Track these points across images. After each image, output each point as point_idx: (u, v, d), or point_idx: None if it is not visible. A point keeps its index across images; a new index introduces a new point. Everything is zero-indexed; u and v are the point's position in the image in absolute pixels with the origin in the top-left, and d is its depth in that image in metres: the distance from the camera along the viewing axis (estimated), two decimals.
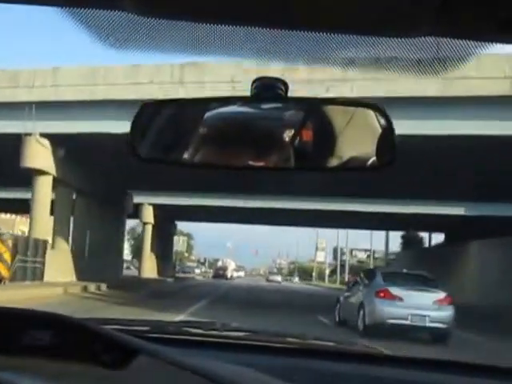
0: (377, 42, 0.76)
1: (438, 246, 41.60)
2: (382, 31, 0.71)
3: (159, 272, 43.37)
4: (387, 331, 11.57)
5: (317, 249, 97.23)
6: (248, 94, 1.12)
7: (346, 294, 14.71)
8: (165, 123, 1.22)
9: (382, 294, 12.24)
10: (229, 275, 68.37)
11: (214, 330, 1.73)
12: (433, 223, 37.31)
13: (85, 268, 23.69)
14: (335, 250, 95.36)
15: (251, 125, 1.19)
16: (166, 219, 45.17)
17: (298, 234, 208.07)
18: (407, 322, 11.85)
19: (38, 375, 1.01)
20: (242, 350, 1.46)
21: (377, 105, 1.16)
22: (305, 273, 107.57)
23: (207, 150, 1.19)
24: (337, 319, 14.46)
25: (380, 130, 1.16)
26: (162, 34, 0.76)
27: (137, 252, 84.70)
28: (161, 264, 44.61)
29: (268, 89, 1.11)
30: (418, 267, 21.94)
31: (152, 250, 42.27)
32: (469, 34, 0.70)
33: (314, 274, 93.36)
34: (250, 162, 1.19)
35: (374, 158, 1.17)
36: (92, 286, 21.07)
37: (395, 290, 12.19)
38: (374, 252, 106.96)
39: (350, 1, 0.65)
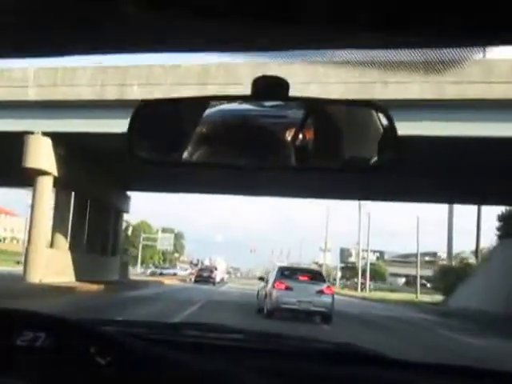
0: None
1: None
2: (381, 35, 0.69)
3: (78, 272, 22.26)
4: (281, 314, 14.05)
5: (325, 249, 78.17)
6: (249, 92, 1.05)
7: (261, 287, 16.50)
8: (163, 122, 1.17)
9: (277, 285, 14.32)
10: (217, 279, 47.92)
11: (212, 331, 1.63)
12: None
13: None
14: (342, 251, 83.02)
15: (251, 124, 1.13)
16: (103, 179, 24.32)
17: (300, 234, 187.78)
18: (296, 307, 14.07)
19: (32, 377, 0.97)
20: (240, 353, 1.38)
21: (378, 104, 1.10)
22: None
23: (207, 149, 1.14)
24: (257, 308, 15.83)
25: (382, 130, 1.10)
26: (163, 31, 0.76)
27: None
28: (86, 259, 23.60)
29: (269, 88, 1.06)
30: None
31: (59, 230, 21.56)
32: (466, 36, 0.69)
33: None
34: (251, 162, 1.15)
35: (376, 158, 1.11)
36: None
37: (288, 282, 14.42)
38: (383, 253, 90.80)
39: (350, 6, 0.63)
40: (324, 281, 15.33)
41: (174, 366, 0.99)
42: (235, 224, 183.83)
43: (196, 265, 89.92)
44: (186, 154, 1.12)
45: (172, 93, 16.57)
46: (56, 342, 1.05)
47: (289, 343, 1.58)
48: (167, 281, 39.05)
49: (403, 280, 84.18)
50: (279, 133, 1.11)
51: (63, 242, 21.96)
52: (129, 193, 32.00)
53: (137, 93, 17.43)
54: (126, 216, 34.26)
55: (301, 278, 14.89)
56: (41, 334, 1.06)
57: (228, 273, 79.53)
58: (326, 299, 14.21)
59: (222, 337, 1.58)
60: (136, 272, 60.22)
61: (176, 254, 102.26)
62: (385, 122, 1.09)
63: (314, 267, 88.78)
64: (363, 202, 55.80)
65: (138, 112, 1.12)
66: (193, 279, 46.45)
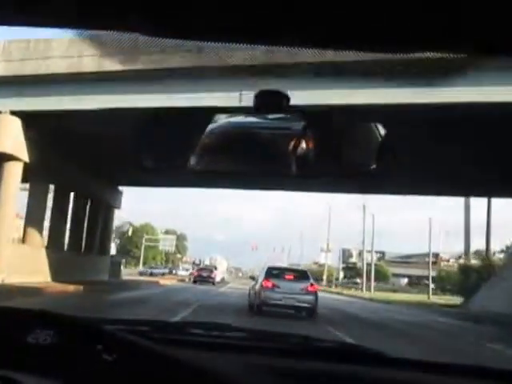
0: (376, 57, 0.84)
1: None
2: (381, 48, 0.72)
3: (56, 272, 19.17)
4: (269, 308, 15.00)
5: (327, 249, 75.51)
6: (251, 105, 1.10)
7: (252, 285, 17.54)
8: (171, 132, 1.19)
9: (265, 284, 15.42)
10: (217, 278, 45.26)
11: (216, 330, 1.59)
12: None
13: None
14: (343, 252, 79.86)
15: (254, 135, 1.17)
16: (90, 171, 21.47)
17: (302, 233, 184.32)
18: (282, 302, 15.18)
19: (42, 374, 0.99)
20: (244, 351, 1.35)
21: (374, 115, 0.97)
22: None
23: (212, 158, 1.17)
24: (248, 304, 17.10)
25: (379, 138, 1.13)
26: (168, 50, 0.73)
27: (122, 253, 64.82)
28: (66, 257, 20.68)
29: (270, 101, 1.09)
30: None
31: (33, 225, 18.72)
32: (466, 49, 0.71)
33: (324, 277, 71.75)
34: (254, 170, 1.19)
35: (374, 165, 1.13)
36: None
37: (274, 281, 15.51)
38: (384, 254, 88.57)
39: (348, 18, 0.66)
40: (308, 279, 16.20)
41: (179, 364, 0.99)
42: (237, 225, 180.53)
43: (198, 265, 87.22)
44: (191, 163, 1.15)
45: (160, 61, 13.96)
46: (64, 340, 1.06)
47: (292, 342, 1.57)
48: (164, 281, 36.23)
49: (405, 280, 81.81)
50: (281, 143, 1.13)
51: (38, 239, 19.12)
52: (127, 189, 29.12)
53: (117, 64, 14.71)
54: (129, 218, 31.62)
55: (286, 277, 15.95)
56: (50, 331, 1.06)
57: (230, 272, 76.47)
58: (309, 296, 15.35)
59: (226, 335, 1.56)
60: (136, 272, 57.62)
61: (178, 255, 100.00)
62: (382, 131, 1.11)
63: (314, 268, 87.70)
64: (367, 203, 53.57)
65: (145, 123, 1.15)
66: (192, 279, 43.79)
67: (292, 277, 16.04)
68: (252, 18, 0.64)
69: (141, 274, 55.20)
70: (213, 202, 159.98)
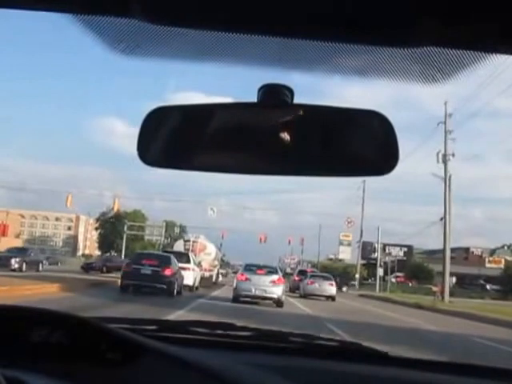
0: (378, 51, 0.74)
1: None
2: (383, 40, 0.70)
3: None
4: (242, 298, 17.43)
5: (360, 239, 57.76)
6: (255, 100, 1.04)
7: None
8: (172, 128, 1.14)
9: (239, 277, 18.41)
10: (188, 280, 21.08)
11: (219, 329, 1.52)
12: None
13: None
14: (364, 246, 60.93)
15: (257, 130, 1.11)
16: None
17: (319, 223, 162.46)
18: (253, 293, 17.60)
19: (46, 373, 0.95)
20: (247, 350, 1.35)
21: (380, 112, 1.09)
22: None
23: (214, 154, 1.12)
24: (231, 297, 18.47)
25: (383, 137, 1.09)
26: (170, 41, 0.75)
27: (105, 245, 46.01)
28: None
29: (274, 95, 1.04)
30: None
31: None
32: (468, 44, 0.69)
33: (357, 276, 51.04)
34: (256, 167, 1.13)
35: (377, 164, 1.10)
36: None
37: (247, 274, 18.16)
38: (411, 248, 69.16)
39: (352, 10, 0.64)
40: (277, 273, 18.95)
41: (183, 362, 0.96)
42: (245, 218, 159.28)
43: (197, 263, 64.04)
44: (193, 159, 1.10)
45: None
46: (70, 339, 1.02)
47: (295, 341, 1.52)
48: None
49: (453, 280, 59.52)
50: (283, 139, 1.07)
51: None
52: None
53: None
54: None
55: (259, 271, 18.43)
56: (55, 330, 1.03)
57: (223, 268, 48.62)
58: (278, 287, 17.77)
59: (230, 334, 1.50)
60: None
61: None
62: (386, 129, 1.07)
63: (330, 264, 66.54)
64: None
65: (147, 118, 1.09)
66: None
67: (263, 271, 18.46)
68: (250, 9, 0.61)
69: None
70: (217, 192, 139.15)
